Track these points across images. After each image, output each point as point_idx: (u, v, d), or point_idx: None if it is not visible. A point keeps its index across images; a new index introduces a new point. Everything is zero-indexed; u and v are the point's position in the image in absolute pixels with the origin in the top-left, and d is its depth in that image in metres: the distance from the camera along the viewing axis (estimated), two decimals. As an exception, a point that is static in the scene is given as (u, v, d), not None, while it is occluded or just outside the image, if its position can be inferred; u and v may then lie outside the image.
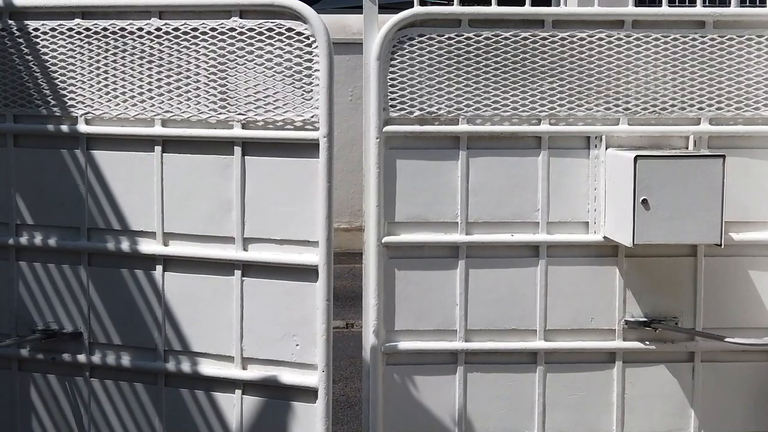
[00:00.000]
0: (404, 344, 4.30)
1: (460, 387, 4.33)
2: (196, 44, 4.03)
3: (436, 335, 4.32)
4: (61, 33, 4.20)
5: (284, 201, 3.98)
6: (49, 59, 4.22)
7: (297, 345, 3.99)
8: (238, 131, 4.03)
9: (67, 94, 4.21)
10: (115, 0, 4.12)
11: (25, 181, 4.30)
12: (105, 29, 4.14)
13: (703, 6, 4.32)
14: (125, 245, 4.20)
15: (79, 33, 4.18)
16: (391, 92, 4.21)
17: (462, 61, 4.23)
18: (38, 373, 4.35)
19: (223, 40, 4.00)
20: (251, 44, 3.97)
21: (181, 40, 4.05)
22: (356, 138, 10.94)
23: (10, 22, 4.23)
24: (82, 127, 4.21)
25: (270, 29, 3.94)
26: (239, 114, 4.01)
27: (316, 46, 3.86)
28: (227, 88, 4.02)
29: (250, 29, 3.97)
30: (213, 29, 4.01)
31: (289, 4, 3.88)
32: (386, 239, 4.25)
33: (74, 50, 4.18)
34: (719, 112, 4.32)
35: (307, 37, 3.88)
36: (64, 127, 4.23)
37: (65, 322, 4.29)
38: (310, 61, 3.89)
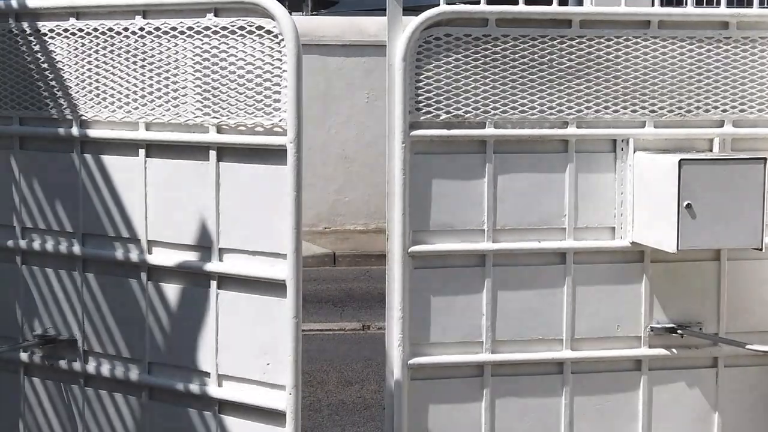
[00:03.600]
0: (430, 358, 3.90)
1: (486, 400, 3.93)
2: (176, 44, 3.69)
3: (462, 347, 3.93)
4: (58, 34, 3.91)
5: (256, 210, 3.60)
6: (47, 60, 3.92)
7: (268, 363, 3.59)
8: (211, 136, 3.66)
9: (63, 96, 3.91)
10: (103, 0, 3.81)
11: (26, 184, 4.02)
12: (96, 29, 3.84)
13: (727, 7, 4.02)
14: (112, 252, 3.89)
15: (73, 34, 3.88)
16: (417, 95, 3.79)
17: (489, 62, 3.84)
18: (37, 378, 4.09)
19: (200, 39, 3.65)
20: (225, 43, 3.61)
21: (162, 40, 3.71)
22: (372, 140, 10.81)
23: (16, 23, 3.95)
24: (76, 131, 3.91)
25: (242, 27, 3.56)
26: (213, 117, 3.64)
27: (285, 45, 3.47)
28: (203, 89, 3.66)
29: (224, 27, 3.61)
30: (190, 28, 3.66)
31: (258, 0, 3.49)
32: (412, 249, 3.82)
33: (69, 51, 3.88)
34: (742, 114, 4.01)
35: (276, 36, 3.50)
36: (60, 130, 3.95)
37: (62, 329, 4.00)
38: (279, 60, 3.50)
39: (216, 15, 3.62)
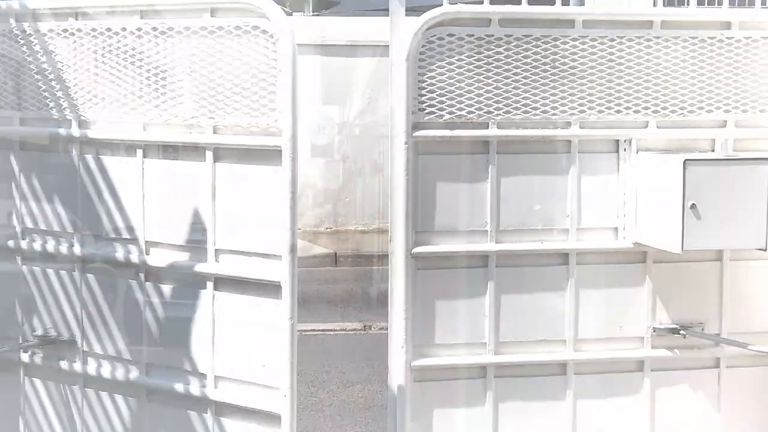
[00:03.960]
0: (433, 360, 3.84)
1: (490, 401, 3.88)
2: (173, 44, 3.65)
3: (464, 348, 3.88)
4: (57, 34, 3.88)
5: (252, 210, 3.57)
6: (46, 61, 3.88)
7: (263, 365, 3.55)
8: (207, 136, 3.62)
9: (63, 96, 3.88)
10: (102, 1, 3.78)
11: (26, 184, 3.98)
12: (94, 29, 3.80)
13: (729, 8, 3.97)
14: (111, 252, 3.85)
15: (72, 34, 3.84)
16: (420, 95, 3.73)
17: (492, 62, 3.78)
18: (37, 378, 4.06)
19: (196, 39, 3.61)
20: (221, 43, 3.57)
21: (159, 40, 3.67)
22: (374, 140, 10.74)
23: (16, 23, 3.91)
24: (75, 131, 3.87)
25: (237, 27, 3.52)
26: (209, 117, 3.61)
27: (280, 45, 3.45)
28: (199, 90, 3.62)
29: (219, 27, 3.57)
30: (187, 28, 3.62)
31: (254, 1, 3.46)
32: (415, 250, 3.77)
33: (68, 51, 3.84)
34: (745, 115, 3.96)
35: (272, 36, 3.46)
36: (60, 130, 3.91)
37: (62, 329, 3.95)
38: (275, 60, 3.47)
39: (212, 15, 3.58)
